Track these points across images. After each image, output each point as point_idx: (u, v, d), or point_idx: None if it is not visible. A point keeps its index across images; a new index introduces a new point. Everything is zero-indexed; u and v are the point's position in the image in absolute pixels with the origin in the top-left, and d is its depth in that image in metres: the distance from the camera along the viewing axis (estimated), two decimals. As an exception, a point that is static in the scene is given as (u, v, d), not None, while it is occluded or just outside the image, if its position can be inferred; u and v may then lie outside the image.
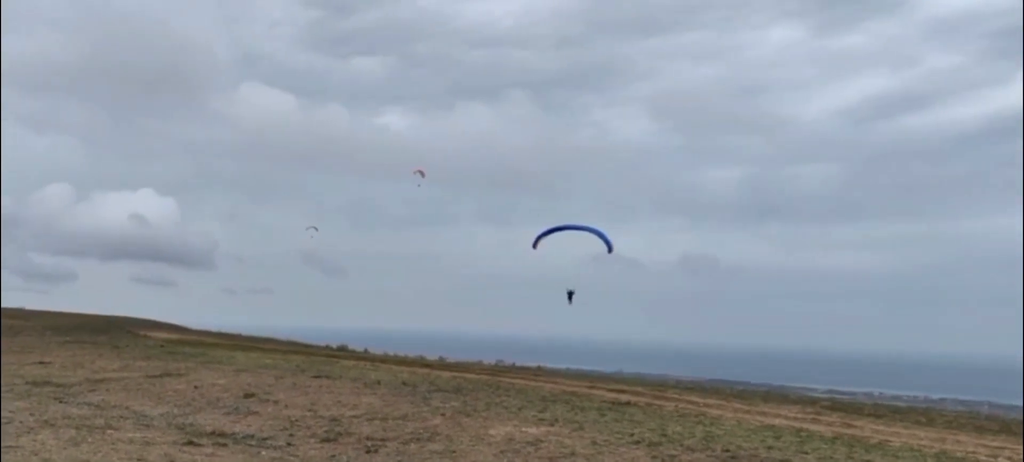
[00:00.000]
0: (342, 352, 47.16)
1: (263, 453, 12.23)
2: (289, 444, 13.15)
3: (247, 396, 18.40)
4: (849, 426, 17.56)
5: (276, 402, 17.61)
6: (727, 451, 13.20)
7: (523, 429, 14.80)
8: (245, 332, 67.17)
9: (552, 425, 15.36)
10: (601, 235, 25.10)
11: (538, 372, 37.52)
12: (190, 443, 12.44)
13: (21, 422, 13.34)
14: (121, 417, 14.92)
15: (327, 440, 13.54)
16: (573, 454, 12.65)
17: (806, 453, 13.31)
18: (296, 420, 15.38)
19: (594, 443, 13.59)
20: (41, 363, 25.00)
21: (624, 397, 21.17)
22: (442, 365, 37.57)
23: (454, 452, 12.73)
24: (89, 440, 12.05)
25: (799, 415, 19.43)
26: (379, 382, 22.18)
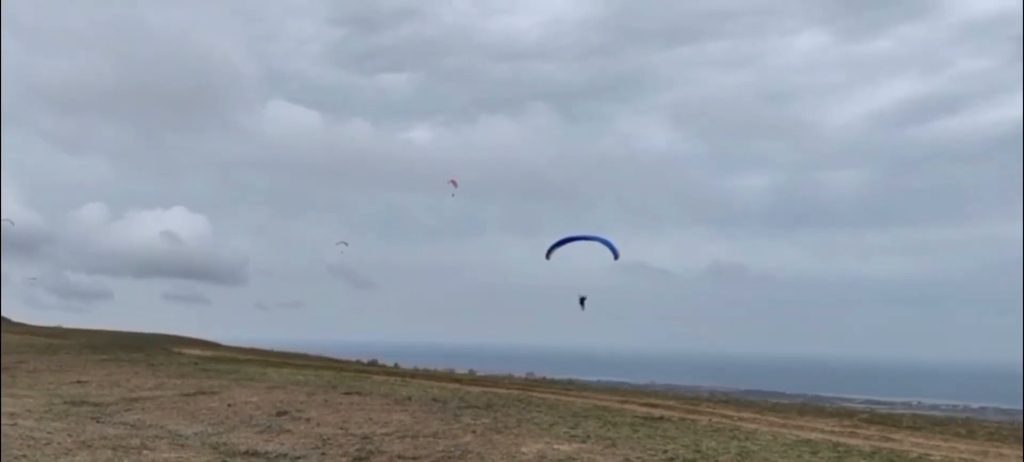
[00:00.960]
0: (373, 367, 47.39)
1: (296, 473, 12.25)
2: (321, 463, 13.16)
3: (280, 414, 18.50)
4: (888, 439, 17.23)
5: (308, 420, 17.68)
6: (763, 467, 12.99)
7: (555, 446, 14.70)
8: (277, 347, 67.78)
9: (584, 442, 15.24)
10: (608, 244, 26.05)
11: (569, 386, 37.35)
12: (224, 463, 12.50)
13: (59, 443, 13.52)
14: (156, 437, 15.06)
15: (359, 459, 13.54)
16: (606, 472, 12.52)
17: (844, 469, 13.06)
18: (328, 438, 15.42)
19: (627, 460, 13.45)
20: (79, 382, 25.37)
21: (657, 412, 20.97)
22: (472, 380, 37.55)
23: (486, 470, 12.67)
24: (125, 461, 12.16)
25: (836, 428, 19.10)
26: (410, 398, 22.20)
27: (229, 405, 19.90)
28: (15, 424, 15.46)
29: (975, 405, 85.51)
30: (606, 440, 15.47)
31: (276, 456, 13.65)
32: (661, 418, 19.47)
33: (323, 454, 13.91)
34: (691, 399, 28.75)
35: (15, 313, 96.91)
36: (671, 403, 24.44)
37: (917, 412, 42.78)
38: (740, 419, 20.14)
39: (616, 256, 25.90)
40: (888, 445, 16.22)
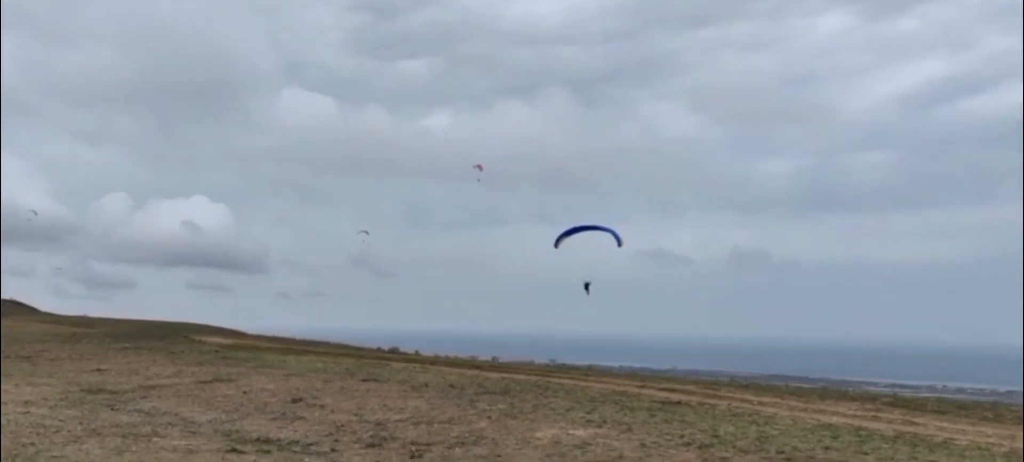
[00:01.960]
0: (393, 354, 47.36)
1: (306, 460, 12.12)
2: (333, 450, 13.02)
3: (295, 401, 18.42)
4: (911, 423, 16.83)
5: (323, 407, 17.58)
6: (781, 452, 12.69)
7: (570, 431, 14.49)
8: (299, 335, 68.02)
9: (600, 427, 15.01)
10: (613, 233, 27.42)
11: (588, 372, 37.11)
12: (233, 450, 12.40)
13: (69, 431, 13.48)
14: (169, 424, 15.00)
15: (372, 445, 13.40)
16: (621, 457, 12.29)
17: (866, 453, 12.72)
18: (342, 425, 15.30)
19: (643, 445, 13.20)
20: (98, 370, 25.49)
21: (675, 396, 20.69)
22: (491, 366, 37.41)
23: (499, 456, 12.48)
24: (133, 449, 12.09)
25: (858, 412, 18.71)
26: (427, 385, 22.07)
27: (245, 392, 19.86)
28: (28, 412, 15.48)
29: (1003, 389, 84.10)
30: (622, 425, 15.23)
31: (287, 443, 13.53)
32: (679, 403, 19.20)
33: (336, 441, 13.78)
34: (711, 384, 28.39)
35: (43, 303, 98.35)
36: (690, 388, 24.13)
37: (942, 396, 42.10)
38: (760, 403, 19.82)
39: (620, 244, 27.31)
40: (912, 429, 15.84)
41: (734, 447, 13.13)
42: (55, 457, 11.20)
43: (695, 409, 18.06)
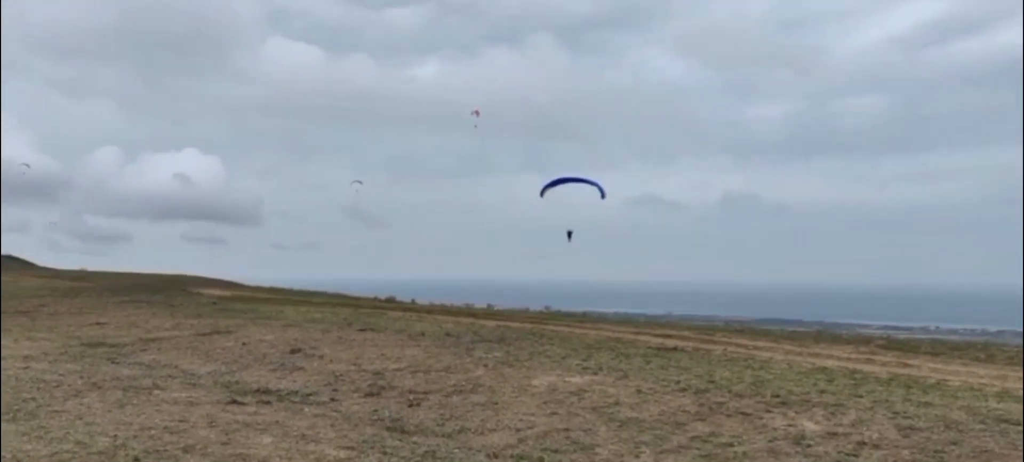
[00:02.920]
0: (389, 304, 47.51)
1: (306, 410, 12.24)
2: (332, 399, 13.16)
3: (293, 351, 18.54)
4: (905, 365, 17.02)
5: (321, 357, 17.70)
6: (777, 396, 12.84)
7: (566, 378, 14.62)
8: (296, 286, 68.18)
9: (596, 373, 15.15)
10: (597, 185, 28.52)
11: (583, 318, 37.34)
12: (234, 402, 12.50)
13: (70, 385, 13.56)
14: (169, 377, 15.11)
15: (370, 394, 13.53)
16: (617, 403, 12.42)
17: (860, 396, 12.88)
18: (340, 375, 15.43)
19: (639, 391, 13.34)
20: (98, 324, 25.59)
21: (670, 342, 20.85)
22: (487, 314, 37.57)
23: (496, 404, 12.61)
24: (134, 402, 12.17)
25: (853, 355, 18.90)
26: (423, 333, 22.20)
27: (244, 344, 19.97)
28: (28, 367, 15.55)
29: (994, 329, 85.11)
30: (618, 371, 15.37)
31: (287, 394, 13.66)
32: (675, 349, 19.36)
33: (335, 390, 13.92)
34: (706, 329, 28.58)
35: (41, 258, 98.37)
36: (685, 334, 24.31)
37: (935, 337, 42.55)
38: (755, 348, 19.99)
39: (603, 196, 28.44)
40: (905, 371, 16.02)
41: (730, 391, 13.27)
42: (56, 411, 11.28)
43: (690, 355, 18.22)
